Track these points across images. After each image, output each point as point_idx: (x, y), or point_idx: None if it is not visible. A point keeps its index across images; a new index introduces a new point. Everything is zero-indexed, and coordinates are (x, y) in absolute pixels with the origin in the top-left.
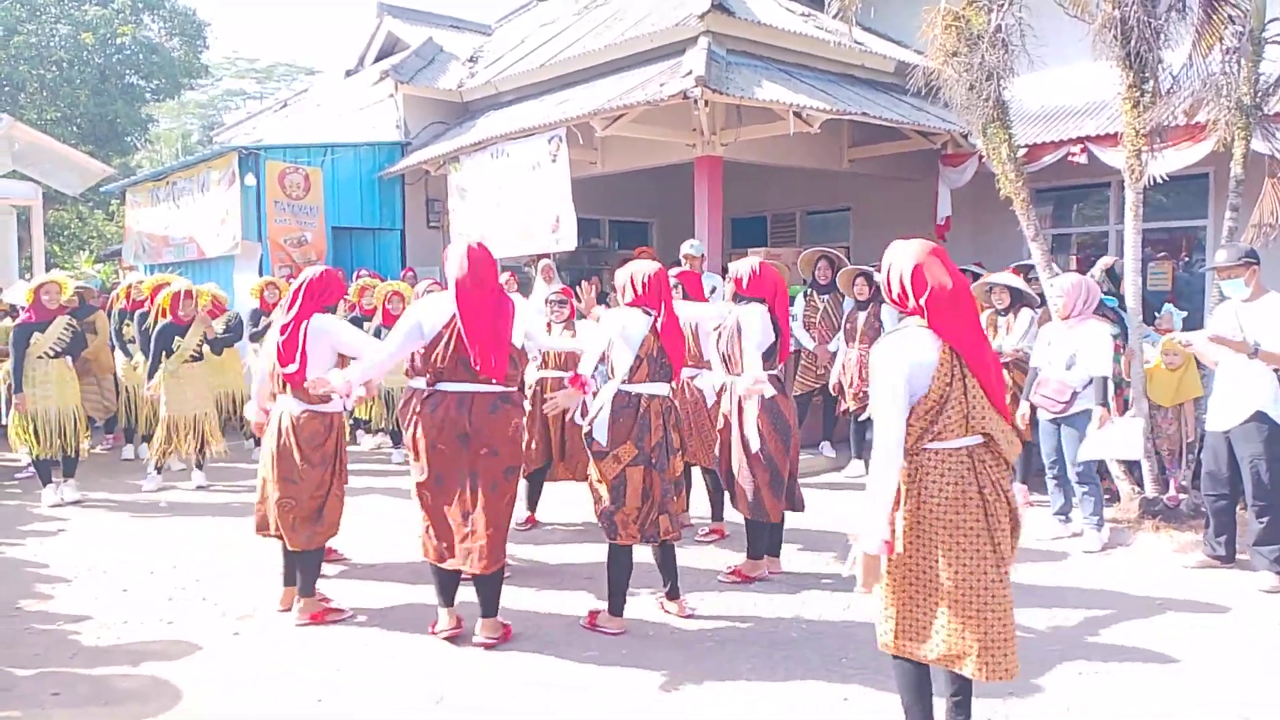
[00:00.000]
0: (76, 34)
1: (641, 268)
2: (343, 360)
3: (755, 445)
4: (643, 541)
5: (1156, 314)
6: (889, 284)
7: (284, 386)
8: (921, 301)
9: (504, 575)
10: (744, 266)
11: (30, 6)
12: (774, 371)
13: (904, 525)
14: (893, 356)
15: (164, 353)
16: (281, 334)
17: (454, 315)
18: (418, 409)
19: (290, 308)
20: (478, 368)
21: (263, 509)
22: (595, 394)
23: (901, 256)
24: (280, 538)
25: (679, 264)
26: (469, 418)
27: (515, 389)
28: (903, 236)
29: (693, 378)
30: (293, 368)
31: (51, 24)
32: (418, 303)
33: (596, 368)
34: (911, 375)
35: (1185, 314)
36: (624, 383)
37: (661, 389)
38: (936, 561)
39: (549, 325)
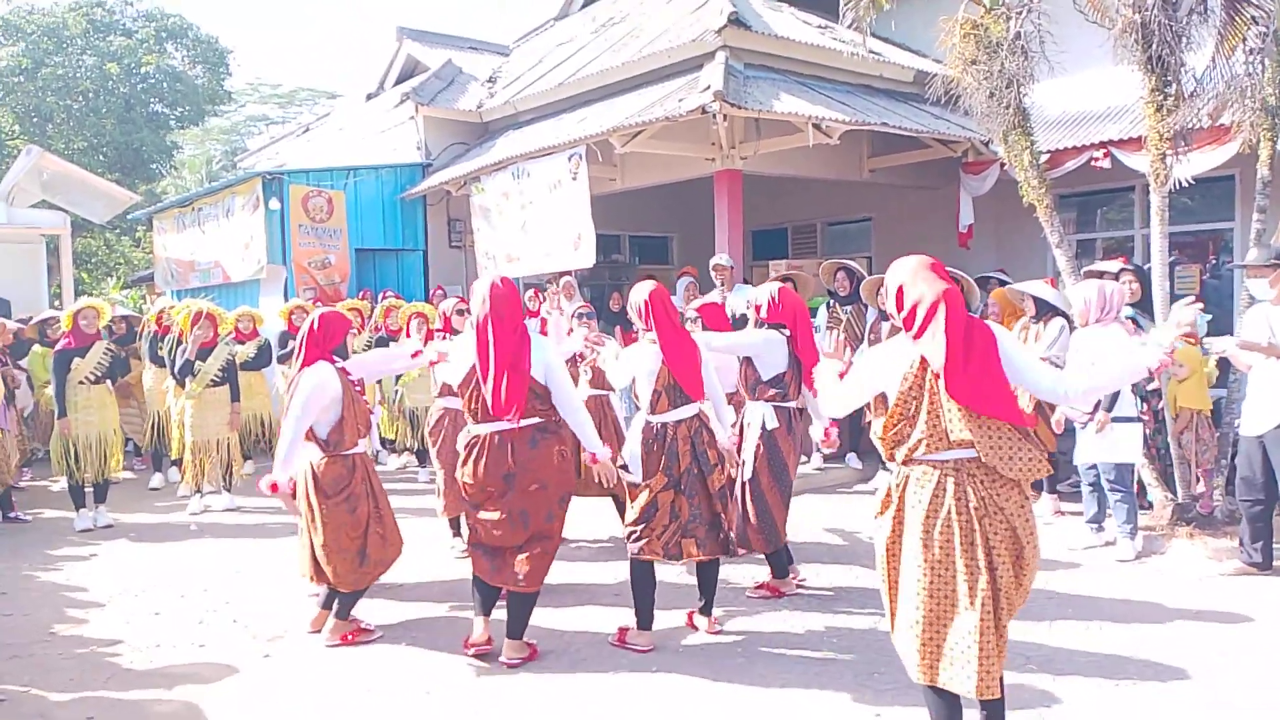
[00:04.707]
0: (102, 64)
1: (636, 296)
2: (361, 388)
3: (747, 474)
4: (665, 560)
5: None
6: (898, 304)
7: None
8: (902, 315)
9: (536, 598)
10: (763, 293)
11: (57, 39)
12: (788, 404)
13: (887, 539)
14: (871, 355)
15: (187, 377)
16: (288, 389)
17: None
18: (462, 452)
19: (298, 358)
20: (491, 409)
21: (306, 556)
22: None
23: (894, 273)
24: (329, 584)
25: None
26: (511, 456)
27: (551, 419)
28: (925, 245)
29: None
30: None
31: (78, 55)
32: (445, 350)
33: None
34: (877, 374)
35: (1210, 318)
36: (650, 414)
37: (687, 412)
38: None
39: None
